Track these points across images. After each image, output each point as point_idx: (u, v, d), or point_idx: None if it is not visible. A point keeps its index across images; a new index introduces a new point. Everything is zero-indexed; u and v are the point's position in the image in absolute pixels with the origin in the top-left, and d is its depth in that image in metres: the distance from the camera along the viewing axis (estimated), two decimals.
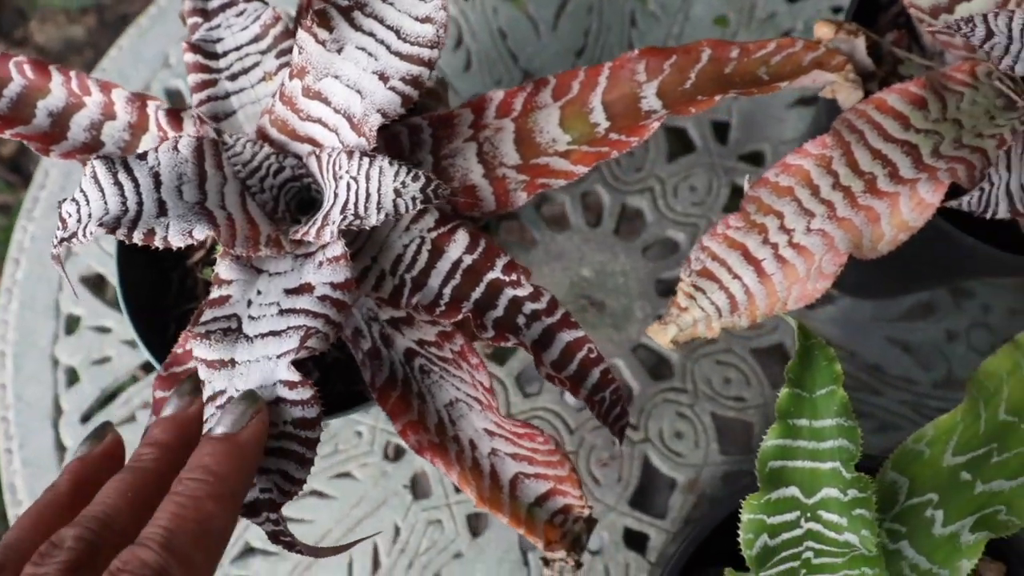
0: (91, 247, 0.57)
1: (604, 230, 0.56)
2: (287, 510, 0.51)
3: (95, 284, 0.58)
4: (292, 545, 0.31)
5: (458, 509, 0.51)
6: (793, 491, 0.33)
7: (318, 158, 0.36)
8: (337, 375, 0.42)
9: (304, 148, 0.37)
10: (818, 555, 0.34)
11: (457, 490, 0.51)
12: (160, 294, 0.44)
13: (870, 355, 0.54)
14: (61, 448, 0.54)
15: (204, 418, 0.32)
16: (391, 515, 0.51)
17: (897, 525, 0.37)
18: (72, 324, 0.57)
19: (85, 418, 0.54)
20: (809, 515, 0.33)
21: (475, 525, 0.51)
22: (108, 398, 0.55)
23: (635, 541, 0.51)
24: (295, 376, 0.31)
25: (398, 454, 0.53)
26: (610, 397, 0.37)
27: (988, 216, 0.36)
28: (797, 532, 0.33)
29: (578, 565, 0.39)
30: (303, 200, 0.39)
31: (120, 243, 0.41)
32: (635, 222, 0.57)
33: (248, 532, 0.51)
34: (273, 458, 0.31)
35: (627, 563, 0.51)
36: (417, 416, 0.37)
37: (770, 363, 0.54)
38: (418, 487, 0.52)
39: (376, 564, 0.51)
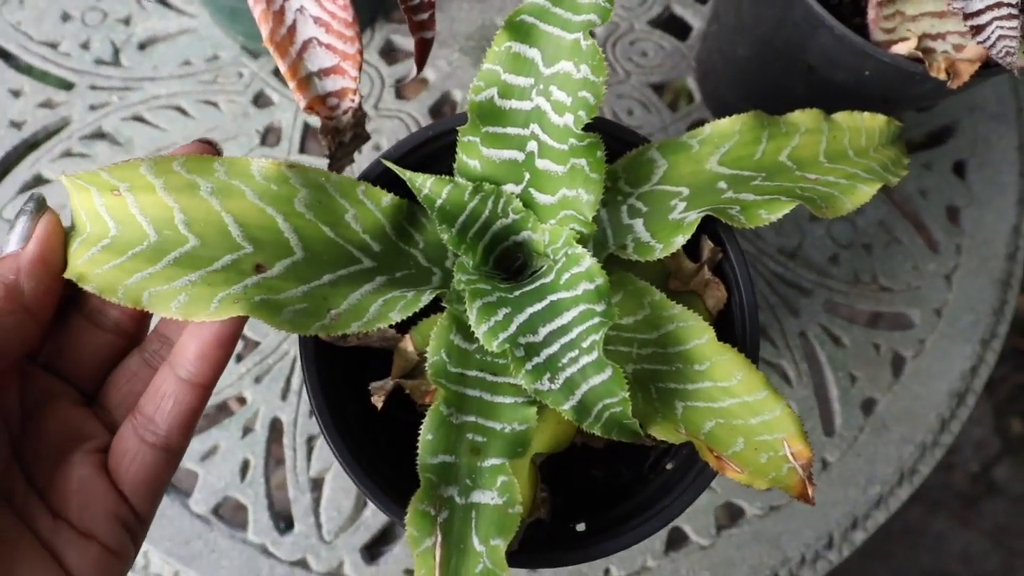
0: None
1: None
2: (154, 117, 0.54)
3: None
4: None
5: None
6: (535, 54, 0.33)
7: None
8: None
9: None
10: (542, 154, 0.35)
11: (302, 149, 0.53)
12: None
13: None
14: None
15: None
16: (234, 150, 0.53)
17: (641, 204, 0.38)
18: None
19: None
20: (542, 88, 0.34)
21: None
22: None
23: None
24: None
25: (265, 103, 0.55)
26: None
27: None
28: (527, 106, 0.34)
29: (329, 149, 0.41)
30: None
31: None
32: None
33: (106, 119, 0.53)
34: None
35: None
36: None
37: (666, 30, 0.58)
38: (269, 137, 0.54)
39: None
